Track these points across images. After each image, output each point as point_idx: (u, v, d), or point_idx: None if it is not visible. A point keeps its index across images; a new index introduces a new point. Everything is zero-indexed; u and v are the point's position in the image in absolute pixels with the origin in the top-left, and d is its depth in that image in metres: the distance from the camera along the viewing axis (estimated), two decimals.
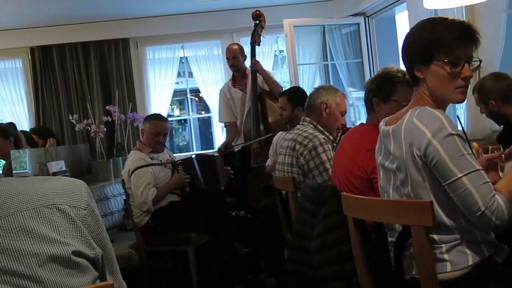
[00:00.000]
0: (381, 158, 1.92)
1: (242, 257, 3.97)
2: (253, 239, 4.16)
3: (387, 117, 1.97)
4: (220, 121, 5.51)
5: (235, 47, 5.17)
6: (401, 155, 1.76)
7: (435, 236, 1.73)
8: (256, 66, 4.99)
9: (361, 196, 2.07)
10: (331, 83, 6.34)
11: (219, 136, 6.54)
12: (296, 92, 4.20)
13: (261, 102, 4.97)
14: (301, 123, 3.37)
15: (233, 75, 5.28)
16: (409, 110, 1.79)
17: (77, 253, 1.16)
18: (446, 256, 1.73)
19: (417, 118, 1.72)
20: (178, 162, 4.16)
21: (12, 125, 4.78)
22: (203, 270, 4.03)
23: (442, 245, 1.73)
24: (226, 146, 5.18)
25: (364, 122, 2.82)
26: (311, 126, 3.29)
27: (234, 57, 5.10)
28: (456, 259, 1.72)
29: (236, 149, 5.17)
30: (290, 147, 3.26)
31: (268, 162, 4.37)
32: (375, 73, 5.34)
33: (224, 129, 5.62)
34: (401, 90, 2.43)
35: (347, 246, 2.05)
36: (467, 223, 1.71)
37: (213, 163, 4.29)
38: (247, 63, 5.17)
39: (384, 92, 2.45)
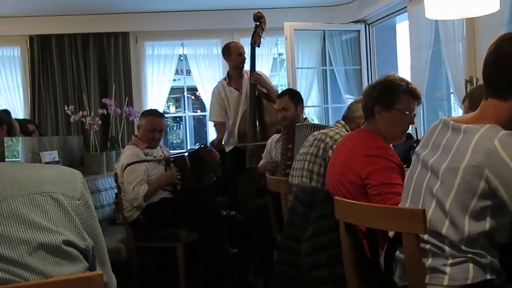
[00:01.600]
0: (426, 153, 1.86)
1: (230, 257, 3.96)
2: (242, 239, 4.16)
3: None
4: (210, 119, 5.40)
5: (241, 44, 5.19)
6: (458, 162, 1.69)
7: (447, 248, 1.70)
8: (258, 81, 4.95)
9: (354, 201, 2.08)
10: (329, 89, 6.36)
11: (213, 135, 6.51)
12: (294, 91, 4.33)
13: (259, 104, 4.96)
14: (335, 124, 3.35)
15: (228, 74, 5.24)
16: (483, 119, 1.73)
17: (68, 243, 1.16)
18: (447, 269, 1.70)
19: (501, 143, 1.63)
20: (171, 159, 4.15)
21: (6, 112, 4.76)
22: (191, 268, 4.02)
23: (450, 258, 1.70)
24: (218, 142, 5.15)
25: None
26: (344, 130, 3.25)
27: (241, 54, 5.08)
28: (456, 274, 1.69)
29: (227, 150, 5.14)
30: (318, 139, 3.20)
31: (261, 163, 4.37)
32: (373, 80, 5.35)
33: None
34: (404, 99, 2.44)
35: (337, 250, 2.06)
36: (485, 247, 1.69)
37: (199, 155, 4.27)
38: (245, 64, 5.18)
39: (387, 100, 2.44)
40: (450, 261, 1.70)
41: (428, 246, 1.74)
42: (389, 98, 2.44)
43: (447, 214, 1.69)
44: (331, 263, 2.15)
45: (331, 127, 3.32)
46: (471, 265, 1.67)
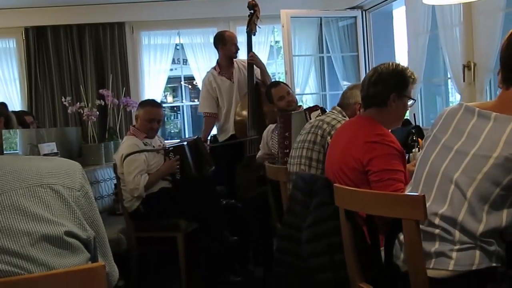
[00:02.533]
0: (447, 137, 1.85)
1: (230, 245, 3.97)
2: (242, 228, 4.17)
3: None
4: (200, 110, 5.29)
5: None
6: (489, 151, 1.68)
7: (457, 234, 1.70)
8: (254, 60, 4.97)
9: (354, 188, 2.08)
10: (326, 76, 6.35)
11: None
12: None
13: (257, 92, 4.95)
14: (331, 110, 3.35)
15: (218, 63, 5.18)
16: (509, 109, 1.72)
17: (70, 234, 1.16)
18: (454, 254, 1.70)
19: None
20: (170, 148, 4.15)
21: (3, 105, 4.75)
22: (192, 257, 4.03)
23: (458, 244, 1.70)
24: (204, 140, 5.01)
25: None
26: (341, 115, 3.26)
27: (236, 43, 5.08)
28: (462, 260, 1.69)
29: (221, 139, 5.12)
30: (316, 125, 3.20)
31: (259, 154, 4.37)
32: (370, 67, 5.35)
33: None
34: (411, 88, 2.52)
35: (337, 237, 2.06)
36: (495, 236, 1.69)
37: (197, 145, 4.29)
38: (241, 52, 5.16)
39: (402, 89, 2.48)
40: (457, 246, 1.70)
41: (437, 231, 1.74)
42: (404, 87, 2.48)
43: (466, 201, 1.69)
44: (331, 250, 2.16)
45: (327, 113, 3.31)
46: (478, 252, 1.68)
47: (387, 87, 2.47)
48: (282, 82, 4.42)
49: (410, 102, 2.54)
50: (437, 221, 1.74)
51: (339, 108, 3.32)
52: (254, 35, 5.08)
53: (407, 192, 1.98)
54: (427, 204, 1.76)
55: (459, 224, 1.69)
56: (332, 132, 3.06)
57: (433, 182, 1.82)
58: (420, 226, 1.76)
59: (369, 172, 2.31)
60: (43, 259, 1.11)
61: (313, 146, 3.15)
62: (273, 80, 5.32)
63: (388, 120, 2.50)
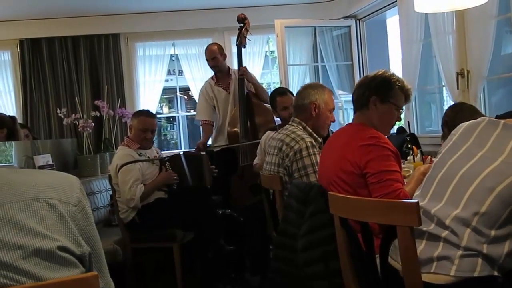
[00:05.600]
0: (469, 144, 1.86)
1: (227, 255, 3.96)
2: (238, 237, 4.16)
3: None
4: (197, 118, 5.36)
5: (213, 47, 5.12)
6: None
7: (465, 237, 1.69)
8: (245, 74, 4.99)
9: (348, 196, 2.09)
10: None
11: None
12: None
13: (248, 103, 4.97)
14: (290, 123, 3.36)
15: (215, 74, 5.22)
16: None
17: (63, 249, 1.16)
18: (456, 260, 1.69)
19: None
20: (166, 159, 4.15)
21: (12, 118, 4.72)
22: (188, 267, 4.02)
23: (462, 249, 1.69)
24: (203, 145, 5.12)
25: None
26: (300, 127, 3.27)
27: (213, 58, 5.07)
28: (464, 266, 1.68)
29: (215, 150, 5.13)
30: (277, 147, 3.25)
31: (256, 161, 4.38)
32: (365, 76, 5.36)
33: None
34: (398, 95, 2.54)
35: (332, 245, 2.06)
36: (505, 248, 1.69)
37: (200, 161, 4.29)
38: (234, 63, 5.17)
39: (384, 93, 2.51)
40: (460, 252, 1.69)
41: (444, 233, 1.74)
42: (386, 91, 2.51)
43: (485, 205, 1.69)
44: (326, 258, 2.16)
45: (287, 130, 3.30)
46: (480, 260, 1.67)
47: (368, 89, 2.53)
48: (289, 91, 4.39)
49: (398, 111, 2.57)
50: (448, 221, 1.74)
51: (297, 120, 3.32)
52: (244, 47, 5.13)
53: (416, 194, 2.00)
54: (440, 205, 1.77)
55: (472, 226, 1.69)
56: (290, 154, 3.13)
57: (448, 184, 1.83)
58: (427, 228, 1.77)
59: (367, 174, 2.32)
60: (36, 273, 1.10)
61: (278, 169, 3.23)
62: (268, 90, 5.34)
63: (373, 125, 2.52)
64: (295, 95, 3.48)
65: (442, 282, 1.70)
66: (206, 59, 5.14)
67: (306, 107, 3.28)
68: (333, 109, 3.38)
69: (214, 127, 5.22)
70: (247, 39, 5.10)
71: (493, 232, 1.67)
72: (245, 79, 5.00)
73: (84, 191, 1.28)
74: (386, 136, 2.54)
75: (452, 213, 1.74)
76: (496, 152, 1.76)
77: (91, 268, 1.26)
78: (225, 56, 5.15)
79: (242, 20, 5.07)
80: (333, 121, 3.39)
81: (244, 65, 5.11)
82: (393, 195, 2.26)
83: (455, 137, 1.93)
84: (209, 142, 5.33)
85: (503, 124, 1.80)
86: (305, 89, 3.35)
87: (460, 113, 3.04)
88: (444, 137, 3.05)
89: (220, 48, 5.14)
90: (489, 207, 1.68)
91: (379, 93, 2.50)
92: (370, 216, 1.89)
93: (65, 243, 1.15)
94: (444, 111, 3.30)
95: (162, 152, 4.70)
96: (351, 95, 2.77)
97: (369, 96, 2.51)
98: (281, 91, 4.37)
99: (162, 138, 10.13)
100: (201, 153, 4.52)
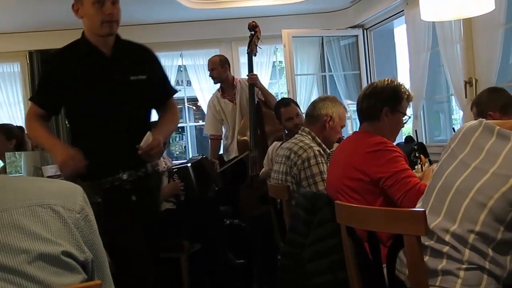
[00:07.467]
0: (466, 153, 1.84)
1: (234, 266, 3.95)
2: (246, 248, 4.15)
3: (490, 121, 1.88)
4: (205, 132, 5.38)
5: (213, 59, 5.12)
6: (509, 170, 1.68)
7: (467, 253, 1.68)
8: (254, 80, 4.98)
9: (354, 205, 2.07)
10: (329, 94, 6.36)
11: None
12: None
13: (258, 112, 4.97)
14: (300, 132, 3.36)
15: (221, 86, 5.21)
16: None
17: (67, 254, 1.16)
18: (461, 273, 1.67)
19: None
20: (174, 170, 4.15)
21: (20, 129, 4.75)
22: (195, 278, 4.01)
23: (465, 263, 1.68)
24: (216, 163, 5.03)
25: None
26: (309, 137, 3.27)
27: (212, 69, 5.06)
28: (470, 280, 1.66)
29: (226, 159, 5.14)
30: (285, 155, 3.25)
31: (263, 170, 4.37)
32: None
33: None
34: (405, 104, 2.58)
35: (339, 255, 2.05)
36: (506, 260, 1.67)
37: (202, 165, 4.29)
38: (243, 73, 5.18)
39: (395, 103, 2.53)
40: (465, 265, 1.67)
41: (446, 248, 1.72)
42: (397, 101, 2.54)
43: (480, 220, 1.67)
44: (333, 268, 2.15)
45: (296, 139, 3.30)
46: (486, 275, 1.66)
47: (379, 100, 2.52)
48: (293, 101, 4.39)
49: (405, 118, 2.57)
50: (447, 238, 1.72)
51: (307, 129, 3.32)
52: (255, 55, 5.11)
53: (418, 205, 1.97)
54: (438, 219, 1.75)
55: (470, 244, 1.67)
56: (298, 163, 3.13)
57: (445, 197, 1.81)
58: (428, 242, 1.76)
59: (381, 180, 2.32)
60: (41, 277, 1.11)
61: (286, 178, 3.23)
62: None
63: (382, 134, 2.51)
64: (309, 104, 3.48)
65: None
66: (209, 69, 5.13)
67: (320, 118, 3.28)
68: (344, 126, 3.40)
69: (223, 139, 5.24)
70: (258, 47, 5.08)
71: (491, 252, 1.65)
72: (255, 84, 4.97)
73: (87, 200, 1.29)
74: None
75: (450, 229, 1.72)
76: (488, 163, 1.73)
77: (93, 276, 1.27)
78: (227, 68, 5.12)
79: (253, 27, 5.06)
80: (341, 137, 3.40)
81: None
82: (414, 190, 2.26)
83: (454, 144, 1.90)
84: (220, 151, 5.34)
85: (497, 132, 1.76)
86: (322, 100, 3.36)
87: (494, 93, 3.15)
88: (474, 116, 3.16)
89: (222, 60, 5.11)
90: (483, 226, 1.66)
91: (390, 104, 2.52)
92: (377, 225, 1.88)
93: (69, 248, 1.16)
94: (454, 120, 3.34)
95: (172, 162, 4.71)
96: None
97: (382, 107, 2.51)
98: (285, 102, 4.37)
99: (171, 148, 10.16)
100: (203, 156, 4.51)
